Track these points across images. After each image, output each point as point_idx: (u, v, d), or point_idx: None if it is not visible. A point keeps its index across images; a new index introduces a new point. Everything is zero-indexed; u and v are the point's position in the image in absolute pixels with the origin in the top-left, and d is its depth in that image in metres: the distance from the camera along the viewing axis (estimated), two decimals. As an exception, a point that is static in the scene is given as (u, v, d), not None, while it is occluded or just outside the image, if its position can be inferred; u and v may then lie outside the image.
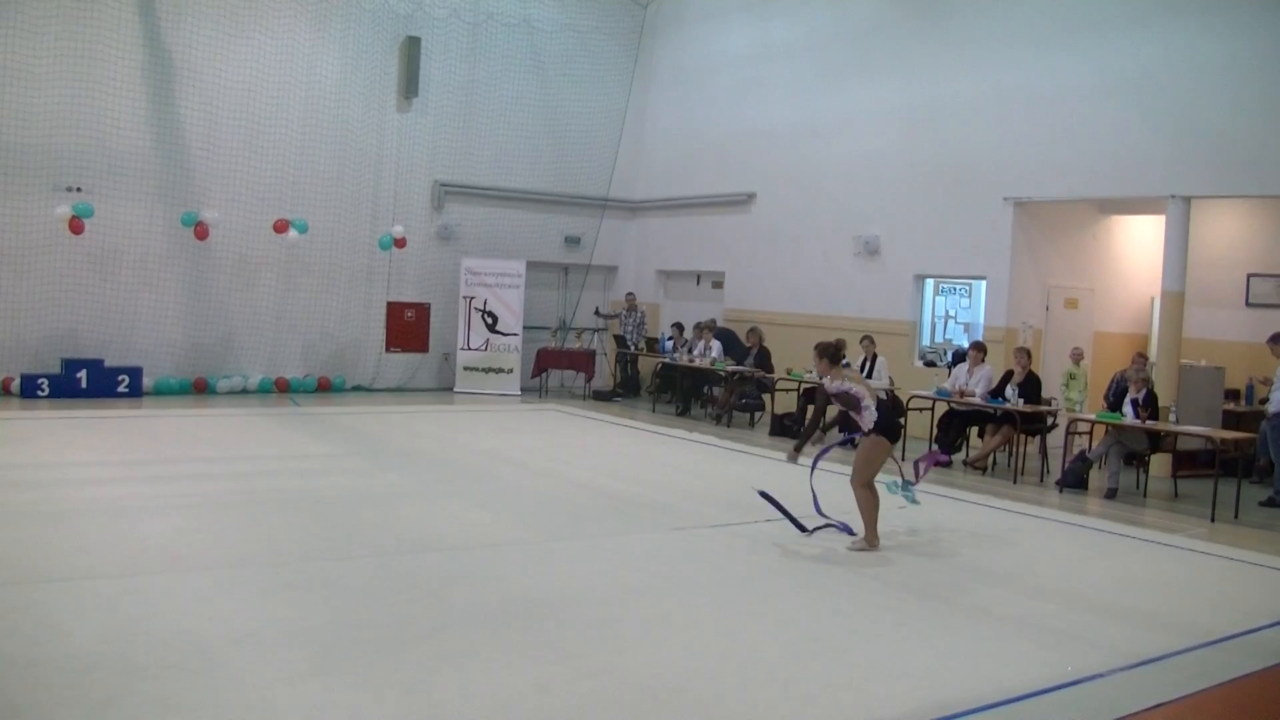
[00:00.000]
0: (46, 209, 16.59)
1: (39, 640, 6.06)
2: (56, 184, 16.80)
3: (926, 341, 17.38)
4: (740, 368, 17.34)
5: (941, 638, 7.03)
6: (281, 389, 18.81)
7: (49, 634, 6.17)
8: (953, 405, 14.40)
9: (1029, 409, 13.54)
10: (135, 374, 17.24)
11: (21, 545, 8.07)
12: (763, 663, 6.36)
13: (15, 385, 16.51)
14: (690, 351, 18.74)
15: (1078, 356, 14.93)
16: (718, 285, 21.13)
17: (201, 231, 17.81)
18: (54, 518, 8.96)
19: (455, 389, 20.20)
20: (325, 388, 19.31)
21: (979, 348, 14.60)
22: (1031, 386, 13.78)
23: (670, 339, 19.90)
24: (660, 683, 5.94)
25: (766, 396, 17.40)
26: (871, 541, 9.33)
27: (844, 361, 9.89)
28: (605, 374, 21.72)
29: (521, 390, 20.32)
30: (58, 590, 7.00)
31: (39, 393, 16.42)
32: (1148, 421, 12.54)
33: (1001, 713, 5.78)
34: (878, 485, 9.51)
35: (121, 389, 17.02)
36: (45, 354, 16.99)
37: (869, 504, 9.37)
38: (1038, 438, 14.01)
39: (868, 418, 9.43)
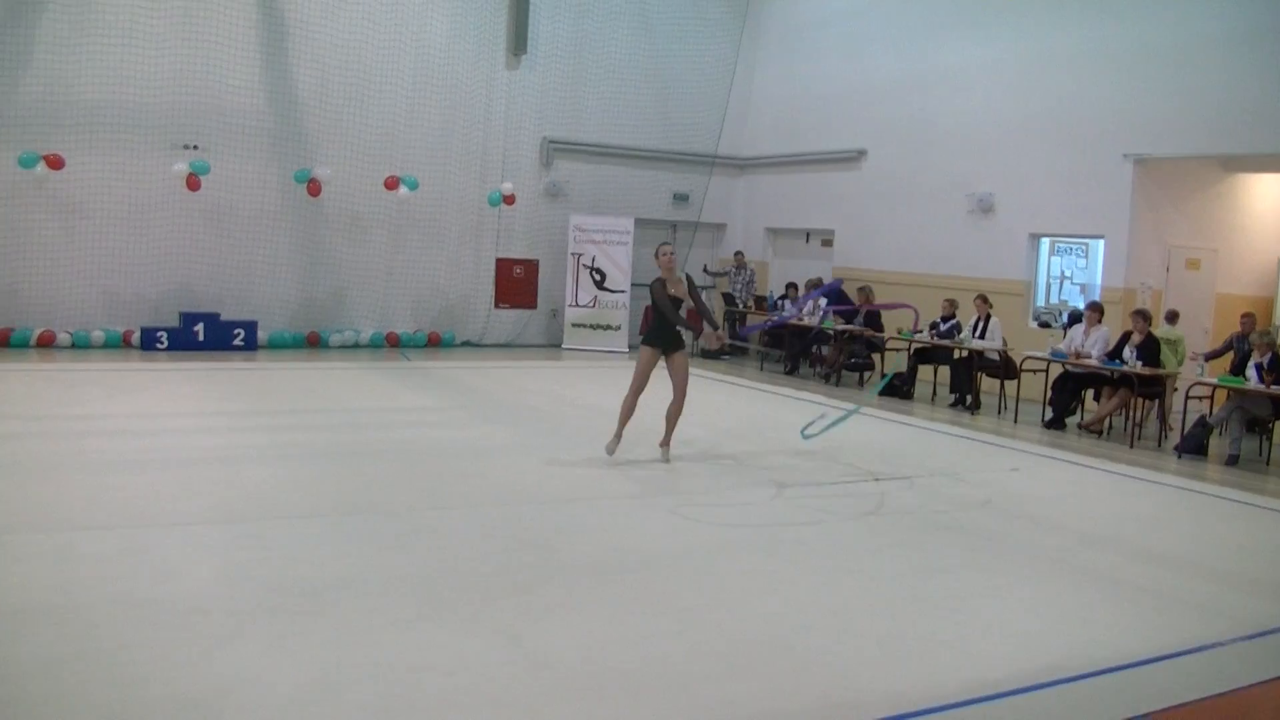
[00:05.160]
0: (165, 166, 16.95)
1: (154, 582, 6.22)
2: (174, 142, 17.15)
3: (1041, 302, 16.99)
4: (849, 326, 17.12)
5: (1049, 600, 6.90)
6: (392, 343, 19.05)
7: (163, 576, 6.32)
8: (1068, 367, 14.07)
9: (1147, 372, 13.17)
10: (250, 327, 17.57)
11: (139, 490, 8.30)
12: (864, 620, 6.29)
13: (135, 338, 16.96)
14: (799, 309, 18.57)
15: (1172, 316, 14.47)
16: (827, 243, 20.88)
17: (314, 188, 18.07)
18: (171, 464, 9.18)
19: (563, 345, 20.28)
20: (435, 343, 19.52)
21: (1096, 309, 14.22)
22: (1150, 349, 13.39)
23: (784, 298, 19.69)
24: (761, 636, 5.91)
25: (876, 356, 17.18)
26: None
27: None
28: (713, 332, 21.62)
29: (629, 347, 20.30)
30: (172, 534, 7.18)
31: (158, 345, 16.82)
32: (1272, 386, 12.11)
33: (1112, 679, 5.64)
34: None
35: (237, 342, 17.36)
36: (164, 308, 17.41)
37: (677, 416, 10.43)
38: (1155, 402, 13.66)
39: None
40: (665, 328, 10.26)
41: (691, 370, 14.72)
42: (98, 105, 16.57)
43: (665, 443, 10.45)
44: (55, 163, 16.12)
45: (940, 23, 18.20)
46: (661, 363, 10.30)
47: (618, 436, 10.33)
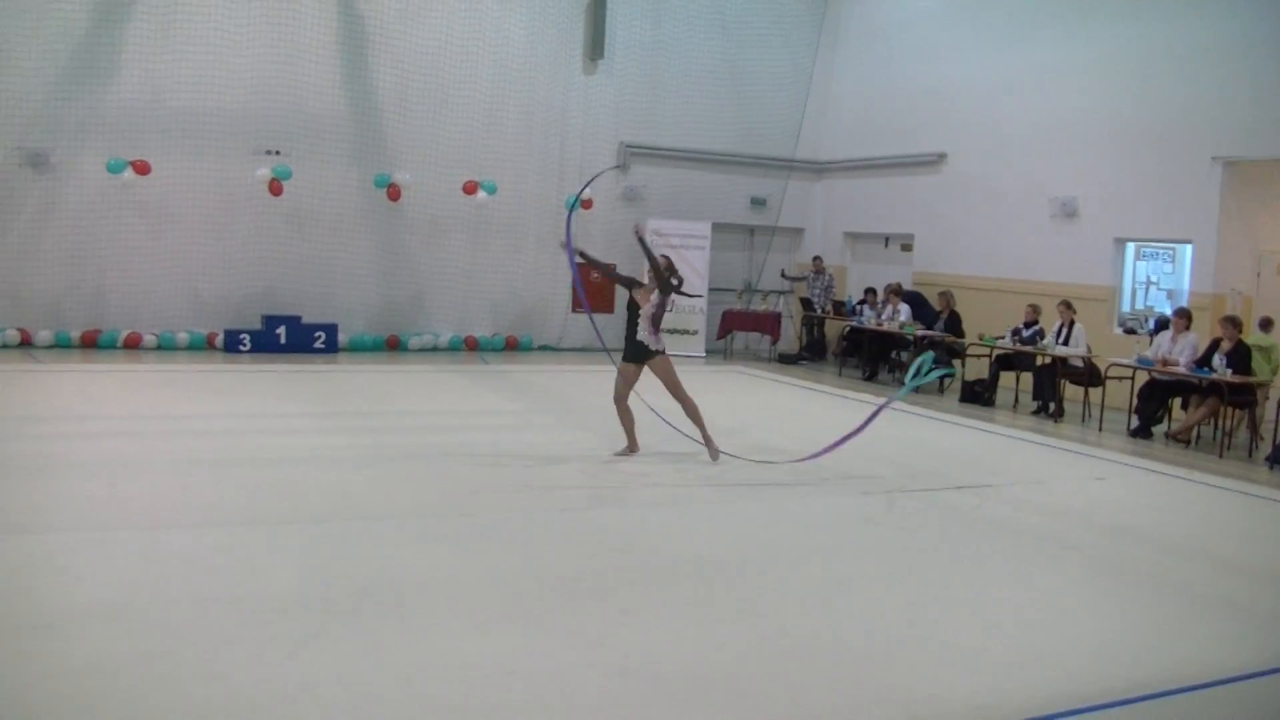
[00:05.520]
0: (248, 172, 17.23)
1: (242, 580, 6.29)
2: (257, 148, 17.42)
3: (1126, 308, 16.69)
4: (930, 332, 16.94)
5: (1140, 614, 6.75)
6: (470, 347, 19.17)
7: (251, 574, 6.40)
8: (1154, 375, 13.80)
9: (1237, 380, 12.87)
10: (331, 330, 17.76)
11: (226, 491, 8.41)
12: (951, 631, 6.19)
13: (219, 340, 17.22)
14: (879, 315, 18.38)
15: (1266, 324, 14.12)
16: (906, 248, 20.69)
17: (394, 193, 18.24)
18: (255, 465, 9.30)
19: (640, 350, 20.26)
20: (513, 346, 19.61)
21: (1183, 315, 13.93)
22: (1241, 357, 13.08)
23: (863, 303, 19.48)
24: (844, 644, 5.85)
25: (956, 362, 16.97)
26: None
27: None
28: (791, 337, 21.51)
29: (706, 352, 20.30)
30: (257, 533, 7.26)
31: (241, 348, 17.07)
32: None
33: (1207, 695, 5.51)
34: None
35: (318, 345, 17.56)
36: (247, 311, 17.66)
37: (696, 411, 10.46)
38: (1246, 411, 13.34)
39: (662, 338, 10.51)
40: (630, 338, 10.47)
41: (769, 375, 14.53)
42: (183, 112, 16.87)
43: (705, 441, 10.48)
44: (142, 168, 16.44)
45: (1022, 24, 17.94)
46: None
47: (630, 443, 10.59)
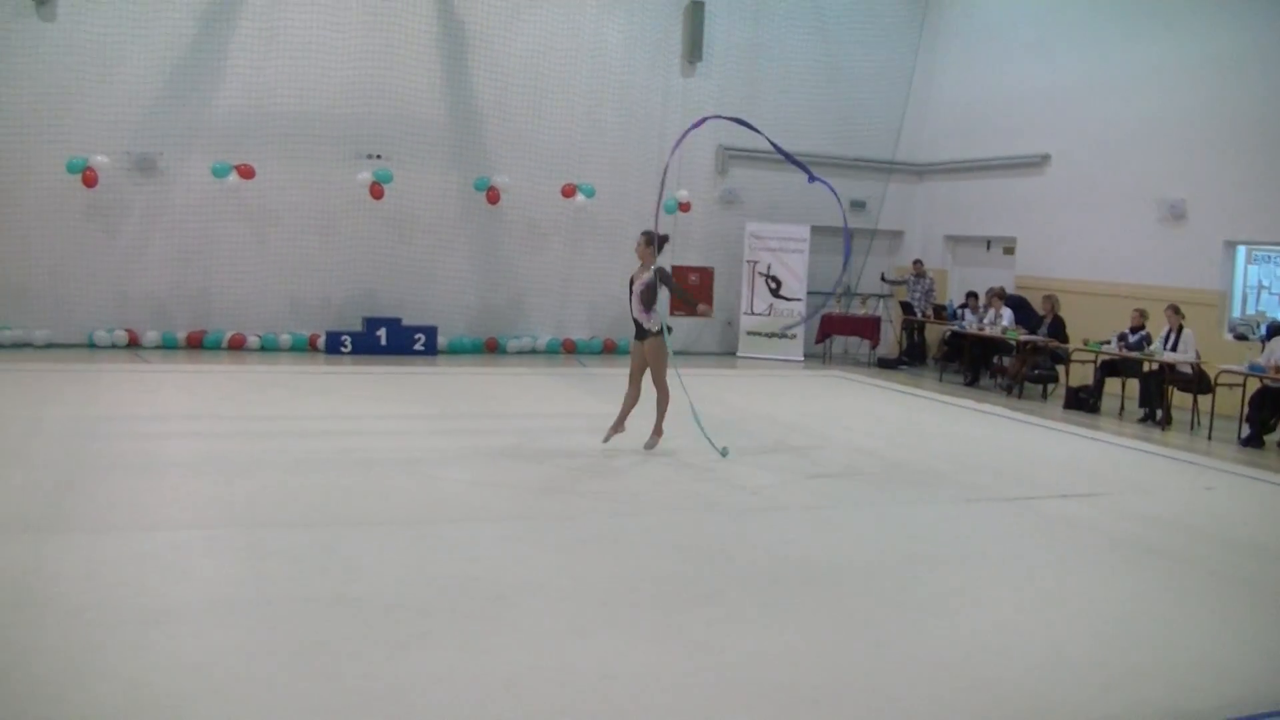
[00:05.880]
0: (349, 175, 17.48)
1: (345, 580, 6.35)
2: (358, 152, 17.67)
3: (1237, 313, 16.24)
4: (1033, 337, 16.64)
5: (1255, 629, 6.53)
6: (568, 350, 19.23)
7: (354, 575, 6.45)
8: (1266, 382, 13.41)
9: (1355, 386, 12.47)
10: (430, 333, 17.93)
11: (329, 491, 8.51)
12: (1059, 645, 6.04)
13: (321, 342, 17.48)
14: (980, 319, 18.07)
15: None
16: (1009, 251, 20.34)
17: (493, 196, 18.38)
18: (358, 465, 9.40)
19: (738, 353, 20.20)
20: (610, 349, 19.61)
21: (1297, 320, 13.54)
22: (1359, 362, 12.67)
23: (964, 307, 19.17)
24: (951, 657, 5.72)
25: (1060, 368, 16.64)
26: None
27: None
28: (890, 341, 21.27)
29: (805, 356, 20.15)
30: (362, 533, 7.33)
31: (342, 349, 17.30)
32: None
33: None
34: None
35: (418, 347, 17.74)
36: (348, 313, 17.92)
37: (665, 404, 10.61)
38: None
39: (656, 318, 10.34)
40: (631, 319, 10.58)
41: (868, 380, 14.36)
42: (286, 117, 17.19)
43: (654, 429, 10.70)
44: (246, 172, 16.74)
45: (1127, 22, 17.54)
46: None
47: (615, 426, 10.66)
